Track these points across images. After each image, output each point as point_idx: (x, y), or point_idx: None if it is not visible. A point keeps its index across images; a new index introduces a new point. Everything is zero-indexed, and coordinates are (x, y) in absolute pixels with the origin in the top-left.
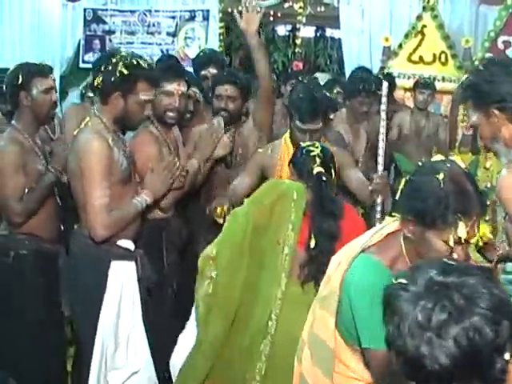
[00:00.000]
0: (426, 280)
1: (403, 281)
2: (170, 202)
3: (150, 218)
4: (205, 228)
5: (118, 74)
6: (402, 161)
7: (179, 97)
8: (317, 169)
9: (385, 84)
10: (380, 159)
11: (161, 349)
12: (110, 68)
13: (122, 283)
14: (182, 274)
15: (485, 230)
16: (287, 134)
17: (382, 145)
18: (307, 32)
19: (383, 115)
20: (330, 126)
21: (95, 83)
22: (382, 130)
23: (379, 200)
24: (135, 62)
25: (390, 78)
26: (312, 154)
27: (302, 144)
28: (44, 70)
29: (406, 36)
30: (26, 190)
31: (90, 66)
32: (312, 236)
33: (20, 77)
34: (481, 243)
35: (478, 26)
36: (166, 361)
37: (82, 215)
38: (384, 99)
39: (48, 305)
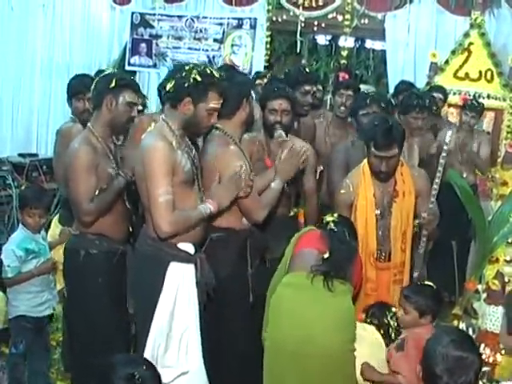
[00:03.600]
0: None
1: None
2: (263, 215)
3: (237, 228)
4: (277, 237)
5: (191, 81)
6: (454, 176)
7: (281, 112)
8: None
9: (448, 133)
10: (433, 198)
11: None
12: (184, 74)
13: (179, 284)
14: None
15: None
16: (365, 161)
17: (435, 186)
18: (348, 43)
19: (442, 161)
20: None
21: (167, 88)
22: (439, 174)
23: (425, 232)
24: (208, 72)
25: (445, 92)
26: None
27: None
28: (135, 85)
29: (453, 52)
30: (97, 192)
31: (135, 68)
32: None
33: (114, 81)
34: None
35: None
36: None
37: (147, 216)
38: (446, 147)
39: (115, 303)
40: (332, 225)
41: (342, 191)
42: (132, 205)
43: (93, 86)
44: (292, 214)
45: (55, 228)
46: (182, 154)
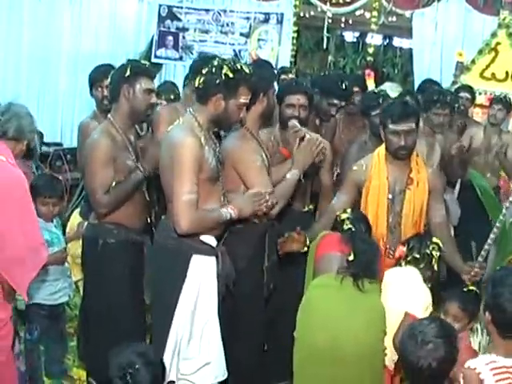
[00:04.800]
0: None
1: None
2: (277, 211)
3: (258, 221)
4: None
5: (223, 77)
6: (476, 177)
7: (299, 107)
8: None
9: None
10: (484, 252)
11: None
12: (214, 70)
13: (201, 277)
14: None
15: None
16: (382, 147)
17: (490, 241)
18: (375, 40)
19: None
20: None
21: (196, 84)
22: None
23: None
24: (239, 67)
25: (472, 92)
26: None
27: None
28: (151, 72)
29: (480, 52)
30: (114, 184)
31: (161, 61)
32: None
33: (128, 71)
34: None
35: None
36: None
37: (169, 207)
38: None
39: (132, 293)
40: (348, 222)
41: (355, 168)
42: (154, 196)
43: (109, 80)
44: (306, 209)
45: (74, 220)
46: (208, 151)
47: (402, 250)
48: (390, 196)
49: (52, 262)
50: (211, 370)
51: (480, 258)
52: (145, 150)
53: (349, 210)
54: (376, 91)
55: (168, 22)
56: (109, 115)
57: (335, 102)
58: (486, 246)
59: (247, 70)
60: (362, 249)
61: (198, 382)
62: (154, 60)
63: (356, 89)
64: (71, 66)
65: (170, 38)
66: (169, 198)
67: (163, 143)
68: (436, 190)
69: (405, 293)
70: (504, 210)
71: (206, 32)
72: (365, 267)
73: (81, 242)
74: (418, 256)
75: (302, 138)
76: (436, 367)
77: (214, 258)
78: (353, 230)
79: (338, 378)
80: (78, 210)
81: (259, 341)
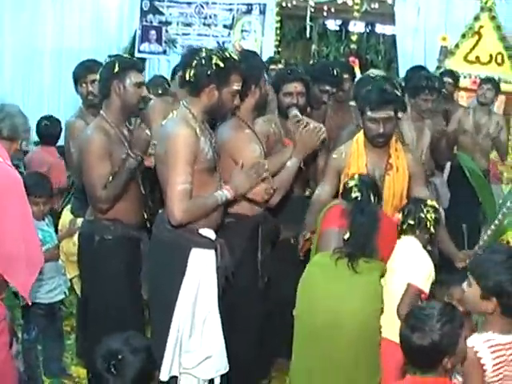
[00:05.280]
0: None
1: None
2: (277, 200)
3: (250, 214)
4: (294, 218)
5: (213, 67)
6: (465, 159)
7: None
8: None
9: None
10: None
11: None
12: (204, 62)
13: (201, 270)
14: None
15: None
16: (361, 133)
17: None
18: (358, 28)
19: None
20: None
21: (187, 77)
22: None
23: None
24: (228, 55)
25: (454, 76)
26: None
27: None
28: (139, 65)
29: (463, 36)
30: (110, 178)
31: (145, 55)
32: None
33: (116, 67)
34: None
35: None
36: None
37: (165, 200)
38: None
39: (129, 288)
40: (356, 190)
41: (334, 156)
42: (149, 191)
43: (98, 77)
44: (307, 193)
45: (66, 218)
46: (204, 141)
47: (397, 217)
48: None
49: (47, 259)
50: (213, 363)
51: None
52: (135, 140)
53: (356, 176)
54: (372, 76)
55: (150, 16)
56: (101, 111)
57: (327, 88)
58: (481, 243)
59: (236, 58)
60: (359, 223)
61: (199, 376)
62: (137, 55)
63: (346, 76)
64: (55, 63)
65: (153, 32)
66: (164, 191)
67: (158, 136)
68: (417, 174)
69: (405, 264)
70: (500, 214)
71: (189, 25)
72: (360, 246)
73: (74, 239)
74: (412, 222)
75: (304, 127)
76: (437, 347)
77: (213, 251)
78: (359, 198)
79: (335, 356)
80: (68, 207)
81: (257, 333)
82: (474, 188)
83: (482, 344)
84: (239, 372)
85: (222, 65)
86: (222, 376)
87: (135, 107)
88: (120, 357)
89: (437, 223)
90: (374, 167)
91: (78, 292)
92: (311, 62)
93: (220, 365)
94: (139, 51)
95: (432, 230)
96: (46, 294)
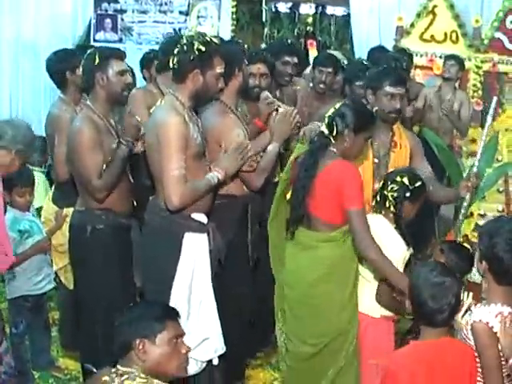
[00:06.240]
0: None
1: None
2: (261, 182)
3: (238, 194)
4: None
5: (196, 52)
6: (430, 135)
7: (259, 76)
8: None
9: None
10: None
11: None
12: (186, 48)
13: (195, 254)
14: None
15: None
16: None
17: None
18: (308, 9)
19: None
20: None
21: (170, 65)
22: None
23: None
24: (209, 40)
25: (408, 55)
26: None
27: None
28: (119, 54)
29: (418, 15)
30: (104, 167)
31: (101, 44)
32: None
33: (97, 58)
34: None
35: (483, 6)
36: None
37: (158, 187)
38: (490, 118)
39: (123, 276)
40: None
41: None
42: (134, 178)
43: (80, 70)
44: (276, 179)
45: (48, 208)
46: (193, 127)
47: (375, 188)
48: (376, 160)
49: (36, 252)
50: (211, 344)
51: (461, 217)
52: (125, 127)
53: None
54: (364, 62)
55: (105, 4)
56: (87, 102)
57: (287, 59)
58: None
59: (217, 41)
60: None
61: (198, 358)
62: (93, 44)
63: (329, 69)
64: (12, 56)
65: (108, 20)
66: (157, 178)
67: (147, 125)
68: (417, 150)
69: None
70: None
71: (145, 12)
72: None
73: (63, 229)
74: (378, 199)
75: (276, 110)
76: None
77: (205, 235)
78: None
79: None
80: (48, 197)
81: (248, 313)
82: (440, 163)
83: (494, 319)
84: (231, 351)
85: (203, 49)
86: (218, 356)
87: (121, 96)
88: None
89: (399, 202)
90: (379, 145)
91: (66, 283)
92: (263, 45)
93: (218, 345)
94: (95, 40)
95: (392, 209)
96: (35, 286)
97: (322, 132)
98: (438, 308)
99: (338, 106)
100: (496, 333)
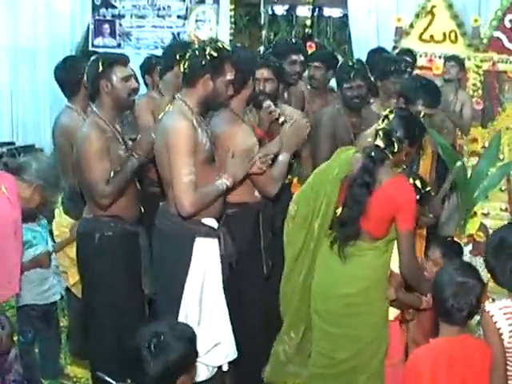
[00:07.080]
0: None
1: None
2: (275, 191)
3: (251, 201)
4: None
5: (208, 57)
6: (434, 134)
7: (264, 81)
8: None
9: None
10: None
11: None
12: (198, 52)
13: (206, 259)
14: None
15: None
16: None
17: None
18: (306, 12)
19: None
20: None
21: (182, 69)
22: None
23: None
24: (220, 46)
25: (412, 56)
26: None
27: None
28: (123, 59)
29: (417, 16)
30: (112, 174)
31: (99, 50)
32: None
33: (100, 65)
34: None
35: (481, 5)
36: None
37: (168, 193)
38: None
39: (132, 283)
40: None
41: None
42: (141, 185)
43: (85, 78)
44: (287, 181)
45: (60, 219)
46: (202, 133)
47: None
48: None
49: (35, 266)
50: (222, 349)
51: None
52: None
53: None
54: (351, 64)
55: (103, 10)
56: (94, 108)
57: (294, 57)
58: (445, 185)
59: (228, 48)
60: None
61: (209, 363)
62: (91, 49)
63: (316, 63)
64: (12, 63)
65: (106, 26)
66: (167, 183)
67: (158, 129)
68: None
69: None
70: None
71: (143, 17)
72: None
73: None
74: None
75: (277, 119)
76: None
77: (216, 240)
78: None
79: None
80: (60, 208)
81: (263, 320)
82: (445, 163)
83: (498, 311)
84: (245, 358)
85: (215, 54)
86: (229, 362)
87: (127, 101)
88: (162, 338)
89: None
90: None
91: (76, 292)
92: (261, 48)
93: (229, 350)
94: (93, 45)
95: None
96: (41, 295)
97: (377, 146)
98: (458, 307)
99: (389, 116)
100: (497, 322)
